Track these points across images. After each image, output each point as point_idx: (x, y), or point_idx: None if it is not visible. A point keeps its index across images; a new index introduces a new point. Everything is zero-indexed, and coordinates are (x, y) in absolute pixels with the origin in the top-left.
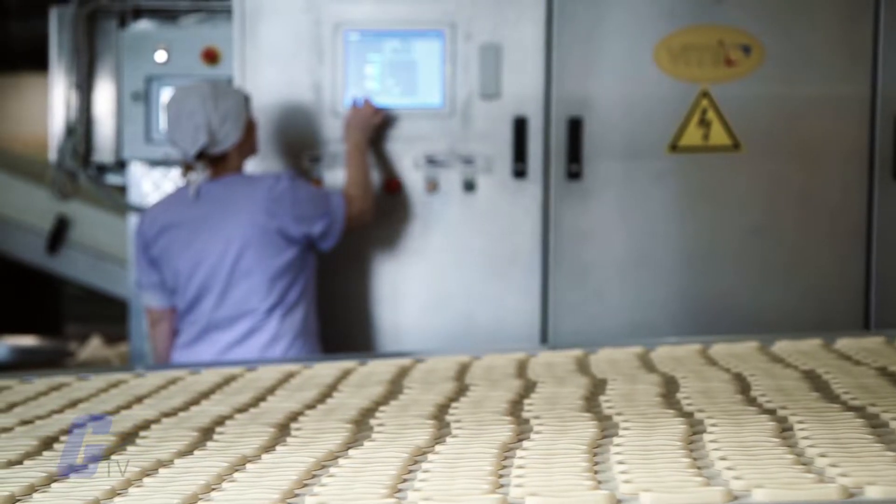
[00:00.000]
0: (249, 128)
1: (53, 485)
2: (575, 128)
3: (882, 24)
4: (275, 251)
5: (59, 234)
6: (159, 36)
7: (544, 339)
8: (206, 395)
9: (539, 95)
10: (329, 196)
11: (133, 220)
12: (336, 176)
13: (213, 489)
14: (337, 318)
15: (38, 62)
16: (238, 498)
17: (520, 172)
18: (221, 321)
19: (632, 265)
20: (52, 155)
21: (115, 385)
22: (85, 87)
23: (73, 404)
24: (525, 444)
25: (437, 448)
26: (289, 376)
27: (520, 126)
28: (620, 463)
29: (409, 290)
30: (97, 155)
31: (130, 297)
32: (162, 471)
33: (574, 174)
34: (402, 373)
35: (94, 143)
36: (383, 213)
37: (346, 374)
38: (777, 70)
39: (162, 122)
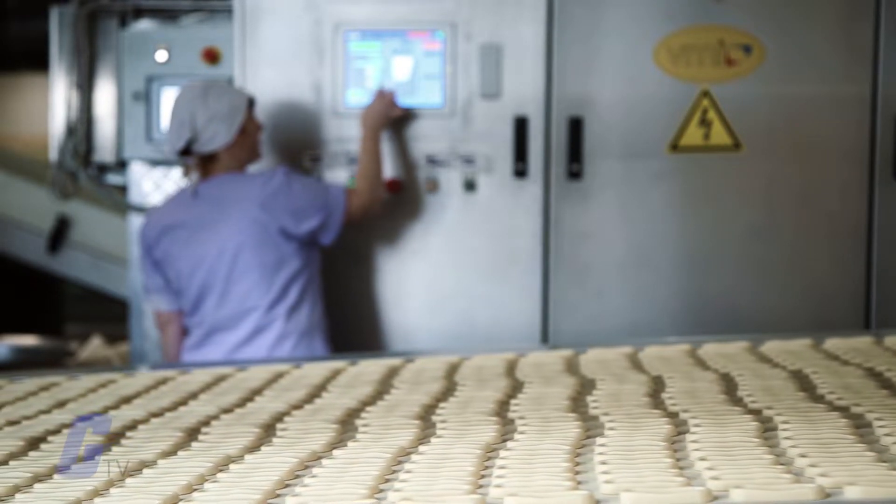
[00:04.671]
0: (245, 131)
1: (36, 485)
2: (575, 128)
3: (882, 24)
4: (273, 247)
5: (59, 234)
6: (160, 36)
7: (545, 338)
8: (194, 395)
9: (539, 95)
10: (328, 188)
11: (134, 219)
12: (337, 176)
13: (195, 489)
14: (337, 317)
15: (38, 62)
16: (220, 498)
17: (520, 172)
18: (225, 320)
19: (632, 265)
20: (53, 155)
21: (104, 385)
22: (85, 87)
23: (61, 404)
24: (509, 444)
25: (421, 448)
26: (278, 376)
27: (520, 126)
28: (603, 463)
29: (410, 289)
30: (98, 155)
31: (131, 297)
32: (145, 471)
33: (574, 174)
34: (392, 373)
35: (94, 142)
36: (384, 213)
37: (335, 375)
38: (777, 70)
39: (163, 120)
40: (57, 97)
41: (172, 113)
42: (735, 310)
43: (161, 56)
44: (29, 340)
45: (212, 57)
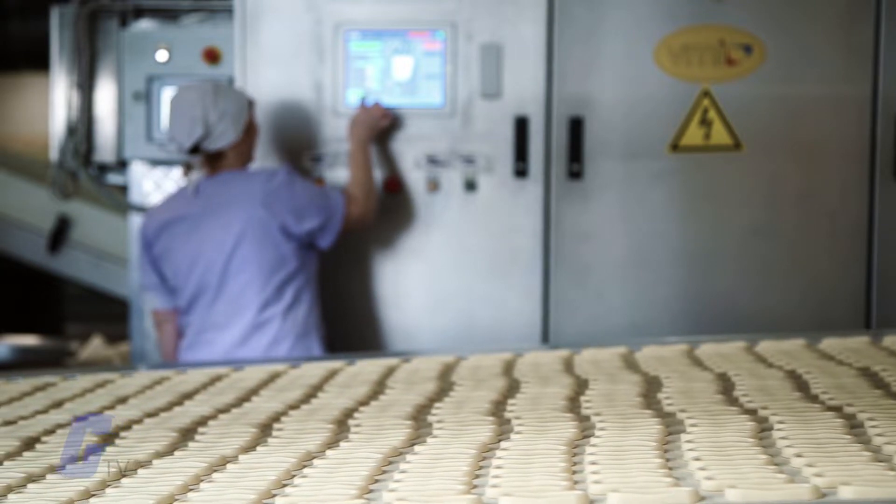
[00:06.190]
0: (249, 131)
1: (30, 485)
2: (576, 127)
3: (883, 24)
4: (272, 245)
5: (60, 234)
6: (160, 35)
7: (545, 338)
8: (190, 395)
9: (540, 95)
10: (328, 192)
11: (134, 219)
12: (337, 175)
13: (191, 489)
14: (337, 317)
15: (38, 62)
16: (216, 498)
17: (521, 172)
18: (218, 317)
19: (632, 265)
20: (54, 154)
21: (101, 385)
22: (86, 87)
23: (58, 405)
24: (504, 444)
25: (416, 448)
26: (275, 377)
27: (521, 126)
28: (593, 463)
29: (410, 289)
30: (98, 154)
31: (131, 297)
32: (140, 471)
33: (575, 174)
34: (389, 373)
35: (95, 142)
36: (384, 212)
37: (332, 375)
38: (778, 70)
39: (164, 119)
40: (57, 97)
41: (181, 111)
42: (735, 310)
43: (161, 56)
44: (29, 340)
45: (212, 57)
